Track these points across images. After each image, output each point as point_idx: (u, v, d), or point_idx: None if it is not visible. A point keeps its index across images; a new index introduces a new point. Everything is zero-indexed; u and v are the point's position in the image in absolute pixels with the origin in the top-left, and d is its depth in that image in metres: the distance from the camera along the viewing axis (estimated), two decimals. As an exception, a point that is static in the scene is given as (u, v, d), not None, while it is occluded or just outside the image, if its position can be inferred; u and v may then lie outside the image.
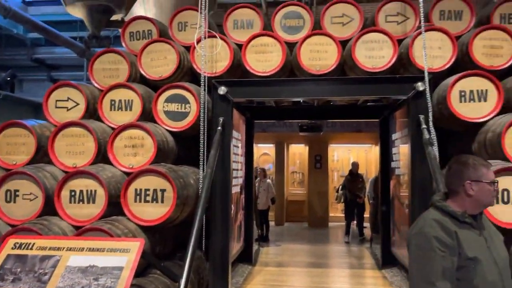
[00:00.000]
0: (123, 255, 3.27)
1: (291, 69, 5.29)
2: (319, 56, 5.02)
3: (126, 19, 6.08)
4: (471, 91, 4.39)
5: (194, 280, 4.31)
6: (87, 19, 5.93)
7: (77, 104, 4.92)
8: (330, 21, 5.32)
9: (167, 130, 4.77)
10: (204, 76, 4.60)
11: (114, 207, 4.11)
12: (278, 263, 6.78)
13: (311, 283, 5.74)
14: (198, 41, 4.88)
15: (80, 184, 4.15)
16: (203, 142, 4.44)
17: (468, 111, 4.38)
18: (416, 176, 4.52)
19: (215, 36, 5.03)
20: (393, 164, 6.06)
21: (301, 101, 6.18)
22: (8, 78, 11.82)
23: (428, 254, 1.86)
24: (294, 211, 11.58)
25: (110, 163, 4.47)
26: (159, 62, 5.15)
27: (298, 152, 12.00)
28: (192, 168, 4.82)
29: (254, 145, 7.29)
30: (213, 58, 5.02)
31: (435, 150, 4.17)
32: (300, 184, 11.94)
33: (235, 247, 5.61)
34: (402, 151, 5.37)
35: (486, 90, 4.37)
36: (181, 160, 4.95)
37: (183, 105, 4.79)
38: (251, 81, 5.02)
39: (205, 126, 4.52)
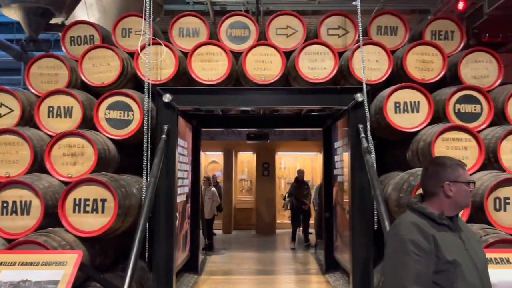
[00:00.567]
0: (59, 268, 3.14)
1: (237, 78, 5.35)
2: (264, 66, 5.12)
3: (67, 23, 5.87)
4: (405, 103, 4.67)
5: (136, 290, 4.21)
6: (24, 22, 5.67)
7: (11, 110, 4.68)
8: (275, 32, 5.45)
9: (109, 138, 4.64)
10: (148, 83, 4.54)
11: (51, 218, 3.93)
12: (224, 271, 6.77)
13: (258, 291, 5.79)
14: (143, 48, 4.81)
15: (13, 195, 3.95)
16: (147, 151, 4.38)
17: (403, 121, 4.65)
18: (356, 183, 4.72)
19: (159, 44, 4.99)
20: (335, 172, 6.28)
21: (249, 110, 6.27)
22: None
23: (402, 258, 1.81)
24: (242, 218, 11.62)
25: (47, 172, 4.28)
26: (102, 69, 5.01)
27: (247, 160, 12.09)
28: (135, 177, 4.73)
29: (202, 153, 7.27)
30: (157, 66, 4.97)
31: (372, 158, 4.39)
32: (248, 192, 12.02)
33: (180, 257, 5.54)
34: (343, 159, 5.58)
35: (419, 102, 4.66)
36: (123, 169, 4.84)
37: (126, 112, 4.70)
38: (197, 89, 5.02)
39: (149, 134, 4.46)
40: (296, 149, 11.74)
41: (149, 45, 4.74)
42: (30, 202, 3.92)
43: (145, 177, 4.33)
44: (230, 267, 7.17)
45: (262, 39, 5.41)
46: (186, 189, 6.04)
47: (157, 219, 4.60)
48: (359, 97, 4.68)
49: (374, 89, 4.96)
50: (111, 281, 3.66)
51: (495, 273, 3.08)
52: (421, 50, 5.00)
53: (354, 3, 4.91)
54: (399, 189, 4.18)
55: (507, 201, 3.91)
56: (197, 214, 6.83)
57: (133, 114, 4.69)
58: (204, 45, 5.17)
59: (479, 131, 4.45)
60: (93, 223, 3.92)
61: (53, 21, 5.98)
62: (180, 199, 5.37)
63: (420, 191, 2.06)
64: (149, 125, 4.46)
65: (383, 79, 5.02)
